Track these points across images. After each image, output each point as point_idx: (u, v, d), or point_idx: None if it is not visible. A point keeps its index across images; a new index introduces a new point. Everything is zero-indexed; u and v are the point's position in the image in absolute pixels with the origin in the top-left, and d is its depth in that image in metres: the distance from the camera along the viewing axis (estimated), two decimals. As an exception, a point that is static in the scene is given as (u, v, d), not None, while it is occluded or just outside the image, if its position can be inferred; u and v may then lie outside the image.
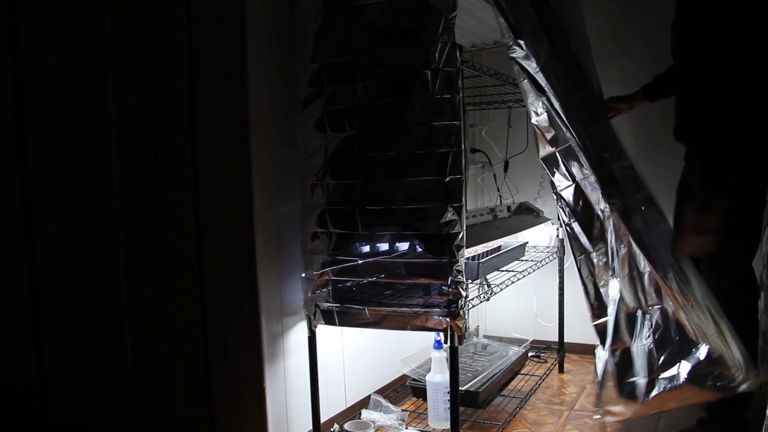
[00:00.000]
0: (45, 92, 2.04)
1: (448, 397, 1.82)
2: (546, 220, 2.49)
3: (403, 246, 1.60)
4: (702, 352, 1.60)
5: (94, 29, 1.90)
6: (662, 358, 1.65)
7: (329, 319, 1.70)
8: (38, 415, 2.14)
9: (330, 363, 1.96)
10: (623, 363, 1.69)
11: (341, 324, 1.69)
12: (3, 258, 2.21)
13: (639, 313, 1.66)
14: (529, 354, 2.59)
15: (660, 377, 1.65)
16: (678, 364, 1.64)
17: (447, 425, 1.85)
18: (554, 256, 2.47)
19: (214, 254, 1.76)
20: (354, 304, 1.66)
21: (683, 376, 1.63)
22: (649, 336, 1.65)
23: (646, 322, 1.66)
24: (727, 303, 1.66)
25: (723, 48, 1.54)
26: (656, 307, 1.64)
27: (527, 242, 2.36)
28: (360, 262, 1.64)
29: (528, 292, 2.75)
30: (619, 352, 1.69)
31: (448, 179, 1.50)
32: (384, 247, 1.64)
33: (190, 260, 1.79)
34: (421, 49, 1.51)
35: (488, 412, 2.07)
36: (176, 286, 1.84)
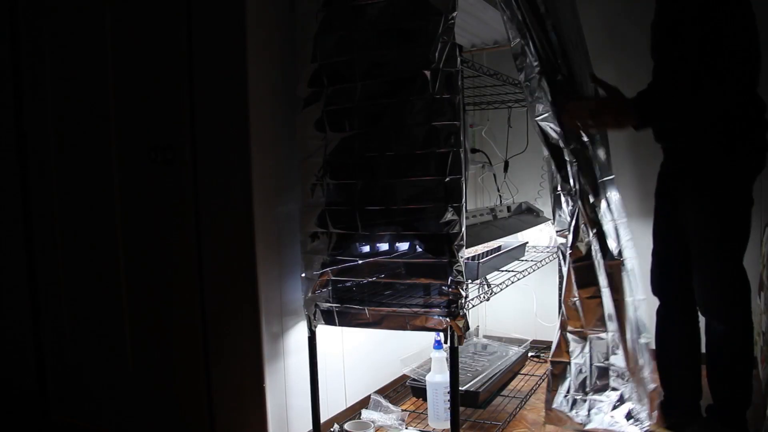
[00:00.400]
0: (45, 92, 2.04)
1: (448, 397, 1.82)
2: (546, 220, 2.49)
3: (403, 246, 1.61)
4: (629, 386, 1.65)
5: (94, 29, 1.90)
6: (595, 383, 1.68)
7: (329, 319, 1.70)
8: (38, 415, 2.14)
9: (330, 363, 1.96)
10: (560, 375, 1.73)
11: (341, 324, 1.69)
12: (3, 258, 2.21)
13: (583, 333, 1.70)
14: (529, 354, 2.59)
15: (590, 399, 1.68)
16: (607, 392, 1.67)
17: (447, 425, 1.85)
18: (554, 256, 2.47)
19: (214, 254, 1.76)
20: (354, 304, 1.66)
21: (608, 406, 1.66)
22: (586, 357, 1.68)
23: (587, 344, 1.68)
24: (720, 301, 1.67)
25: (696, 46, 1.56)
26: (599, 331, 1.67)
27: (527, 242, 2.36)
28: (360, 262, 1.64)
29: (528, 292, 2.74)
30: (558, 364, 1.73)
31: (448, 179, 1.50)
32: (384, 247, 1.64)
33: (190, 260, 1.79)
34: (421, 49, 1.51)
35: (488, 412, 2.07)
36: (176, 286, 1.84)
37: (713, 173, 1.64)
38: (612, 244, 1.67)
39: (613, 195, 1.72)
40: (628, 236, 1.72)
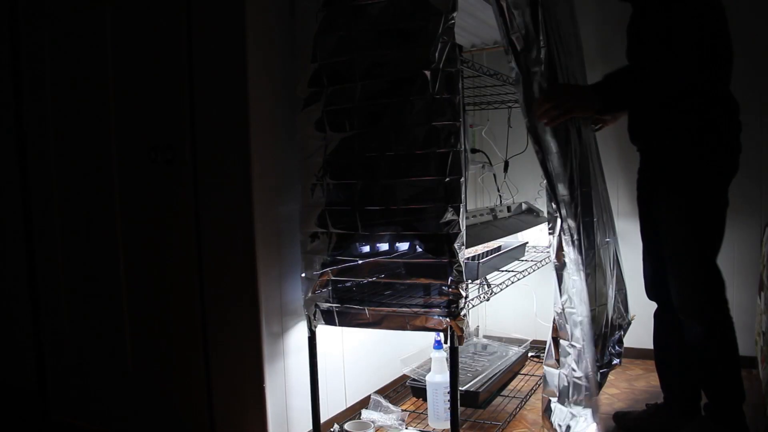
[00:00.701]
0: (45, 92, 2.04)
1: (448, 397, 1.82)
2: (546, 220, 2.48)
3: (403, 246, 1.60)
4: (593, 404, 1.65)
5: (94, 29, 1.90)
6: (575, 395, 1.68)
7: (329, 319, 1.70)
8: (38, 415, 2.14)
9: (330, 363, 1.96)
10: (551, 382, 1.73)
11: (341, 324, 1.69)
12: (3, 258, 2.21)
13: (569, 343, 1.69)
14: (529, 354, 2.59)
15: (569, 411, 1.69)
16: (582, 408, 1.67)
17: (447, 425, 1.85)
18: (554, 256, 2.47)
19: (214, 254, 1.76)
20: (354, 304, 1.66)
21: (584, 420, 1.66)
22: (571, 368, 1.68)
23: (571, 355, 1.68)
24: (695, 302, 1.67)
25: (672, 48, 1.56)
26: (579, 346, 1.66)
27: (527, 242, 2.36)
28: (360, 262, 1.64)
29: (528, 292, 2.74)
30: (550, 370, 1.73)
31: (448, 179, 1.50)
32: (384, 247, 1.64)
33: (190, 260, 1.79)
34: (421, 49, 1.51)
35: (488, 412, 2.07)
36: (176, 286, 1.84)
37: (685, 174, 1.65)
38: (570, 258, 1.65)
39: (571, 210, 1.69)
40: (594, 247, 1.71)
